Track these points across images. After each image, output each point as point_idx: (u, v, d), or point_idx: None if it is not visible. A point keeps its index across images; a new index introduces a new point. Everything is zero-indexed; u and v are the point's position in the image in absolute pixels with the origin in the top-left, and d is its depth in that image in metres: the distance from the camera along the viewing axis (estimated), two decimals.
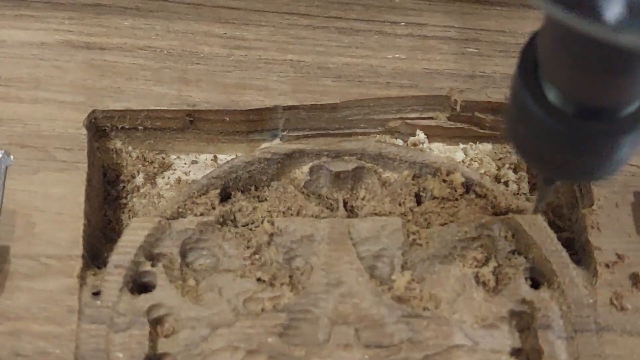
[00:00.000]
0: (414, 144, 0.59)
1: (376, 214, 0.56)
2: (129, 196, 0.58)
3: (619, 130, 0.36)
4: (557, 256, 0.53)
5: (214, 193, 0.55)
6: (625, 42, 0.27)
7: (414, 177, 0.57)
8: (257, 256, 0.53)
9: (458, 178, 0.56)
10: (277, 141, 0.59)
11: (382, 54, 0.59)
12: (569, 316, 0.51)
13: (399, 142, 0.60)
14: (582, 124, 0.36)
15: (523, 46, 0.37)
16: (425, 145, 0.59)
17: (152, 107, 0.56)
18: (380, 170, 0.58)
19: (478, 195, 0.56)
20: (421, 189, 0.57)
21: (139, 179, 0.58)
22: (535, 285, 0.53)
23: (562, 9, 0.28)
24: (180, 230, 0.53)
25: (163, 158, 0.59)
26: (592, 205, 0.54)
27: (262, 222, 0.54)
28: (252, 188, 0.57)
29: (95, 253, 0.53)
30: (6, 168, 0.52)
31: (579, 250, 0.55)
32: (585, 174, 0.40)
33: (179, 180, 0.58)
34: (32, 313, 0.49)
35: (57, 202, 0.52)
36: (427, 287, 0.53)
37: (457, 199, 0.56)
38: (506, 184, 0.58)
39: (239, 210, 0.55)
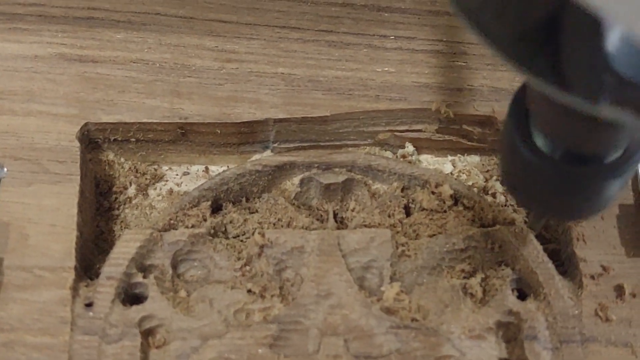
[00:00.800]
0: (403, 156, 0.60)
1: (365, 226, 0.56)
2: (121, 207, 0.58)
3: (605, 175, 0.38)
4: (543, 268, 0.53)
5: (205, 205, 0.56)
6: (601, 113, 0.28)
7: (403, 189, 0.58)
8: (247, 267, 0.54)
9: (446, 190, 0.57)
10: (268, 153, 0.60)
11: (371, 67, 0.60)
12: (555, 327, 0.52)
13: (389, 154, 0.60)
14: (569, 168, 0.37)
15: (515, 92, 0.39)
16: (414, 157, 0.60)
17: (145, 120, 0.57)
18: (370, 182, 0.58)
19: (466, 207, 0.57)
20: (410, 200, 0.58)
21: (131, 190, 0.59)
22: (522, 296, 0.54)
23: (544, 81, 0.29)
24: (172, 242, 0.54)
25: (155, 169, 0.59)
26: None
27: (252, 234, 0.55)
28: (243, 200, 0.58)
29: (88, 264, 0.54)
30: (0, 180, 0.53)
31: (564, 262, 0.56)
32: (573, 213, 0.43)
33: (170, 191, 0.59)
34: (26, 324, 0.49)
35: (50, 214, 0.52)
36: (416, 298, 0.54)
37: (445, 211, 0.57)
38: (494, 195, 0.59)
39: (230, 222, 0.56)
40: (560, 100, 0.29)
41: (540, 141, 0.38)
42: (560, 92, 0.29)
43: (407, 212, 0.58)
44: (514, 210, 0.59)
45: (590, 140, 0.36)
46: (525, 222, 0.57)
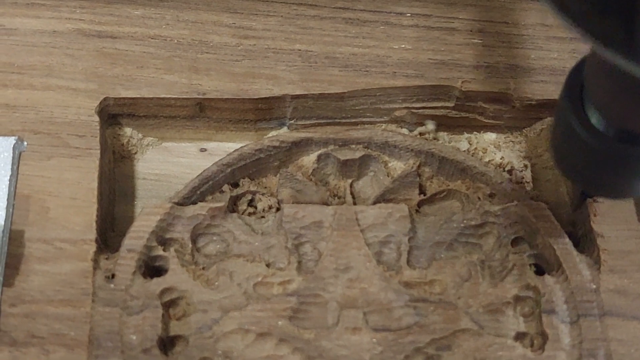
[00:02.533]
0: (420, 133, 0.60)
1: (383, 201, 0.57)
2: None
3: None
4: (561, 243, 0.54)
5: (224, 180, 0.56)
6: None
7: (420, 165, 0.58)
8: (266, 241, 0.54)
9: (463, 167, 0.57)
10: (284, 130, 0.60)
11: (388, 44, 0.60)
12: (573, 301, 0.52)
13: (405, 131, 0.60)
14: (623, 147, 0.37)
15: (571, 69, 0.39)
16: (431, 135, 0.60)
17: (163, 95, 0.57)
18: (387, 158, 0.59)
19: (483, 184, 0.57)
20: (427, 177, 0.58)
21: None
22: (540, 272, 0.54)
23: (607, 48, 0.29)
24: (191, 216, 0.54)
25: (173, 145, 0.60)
26: None
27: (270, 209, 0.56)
28: (261, 175, 0.58)
29: (106, 237, 0.54)
30: (20, 154, 0.53)
31: (581, 238, 0.56)
32: (625, 192, 0.43)
33: (187, 167, 0.59)
34: (47, 295, 0.49)
35: (71, 188, 0.53)
36: (434, 272, 0.54)
37: (462, 187, 0.57)
38: (510, 172, 0.59)
39: (248, 197, 0.56)
40: (631, 72, 0.29)
41: (594, 119, 0.38)
42: (625, 60, 0.28)
43: (424, 188, 0.58)
44: (532, 187, 0.59)
45: None
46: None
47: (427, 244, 0.55)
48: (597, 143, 0.38)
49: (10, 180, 0.51)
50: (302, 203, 0.56)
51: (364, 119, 0.60)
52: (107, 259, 0.52)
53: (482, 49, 0.61)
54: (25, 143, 0.53)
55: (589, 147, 0.39)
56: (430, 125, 0.60)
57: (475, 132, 0.61)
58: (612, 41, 0.29)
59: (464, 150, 0.60)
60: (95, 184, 0.53)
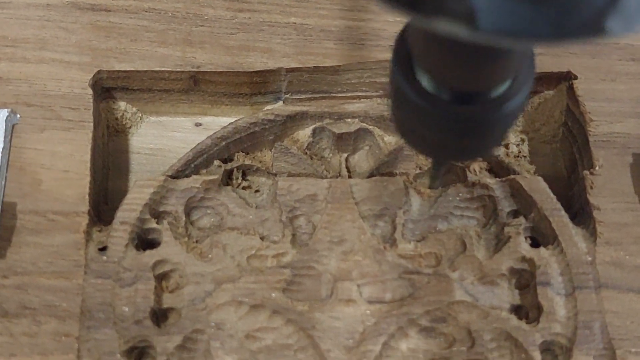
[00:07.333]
0: None
1: (378, 175, 0.56)
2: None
3: (492, 111, 0.35)
4: (557, 216, 0.53)
5: (218, 153, 0.56)
6: (440, 28, 0.27)
7: None
8: (261, 214, 0.54)
9: None
10: (280, 104, 0.60)
11: (384, 17, 0.60)
12: (568, 274, 0.51)
13: None
14: (456, 108, 0.36)
15: (397, 34, 0.37)
16: None
17: (157, 68, 0.56)
18: (382, 132, 0.58)
19: (480, 157, 0.57)
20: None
21: None
22: (535, 245, 0.54)
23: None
24: (185, 189, 0.54)
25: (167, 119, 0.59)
26: (592, 166, 0.55)
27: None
28: (256, 149, 0.58)
29: (100, 210, 0.54)
30: (12, 126, 0.53)
31: (578, 211, 0.56)
32: (469, 153, 0.40)
33: (182, 141, 0.59)
34: (39, 267, 0.49)
35: (63, 160, 0.52)
36: (429, 245, 0.54)
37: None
38: (507, 146, 0.59)
39: (242, 171, 0.56)
40: (435, 30, 0.28)
41: (424, 82, 0.36)
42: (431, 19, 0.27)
43: (420, 161, 0.58)
44: (530, 162, 0.59)
45: (469, 75, 0.34)
46: (534, 172, 0.57)
47: (423, 217, 0.55)
48: (430, 107, 0.36)
49: (2, 152, 0.51)
50: (296, 176, 0.56)
51: (359, 93, 0.60)
52: (99, 231, 0.52)
53: None
54: (19, 116, 0.53)
55: (424, 112, 0.36)
56: None
57: None
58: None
59: None
60: (87, 157, 0.53)
